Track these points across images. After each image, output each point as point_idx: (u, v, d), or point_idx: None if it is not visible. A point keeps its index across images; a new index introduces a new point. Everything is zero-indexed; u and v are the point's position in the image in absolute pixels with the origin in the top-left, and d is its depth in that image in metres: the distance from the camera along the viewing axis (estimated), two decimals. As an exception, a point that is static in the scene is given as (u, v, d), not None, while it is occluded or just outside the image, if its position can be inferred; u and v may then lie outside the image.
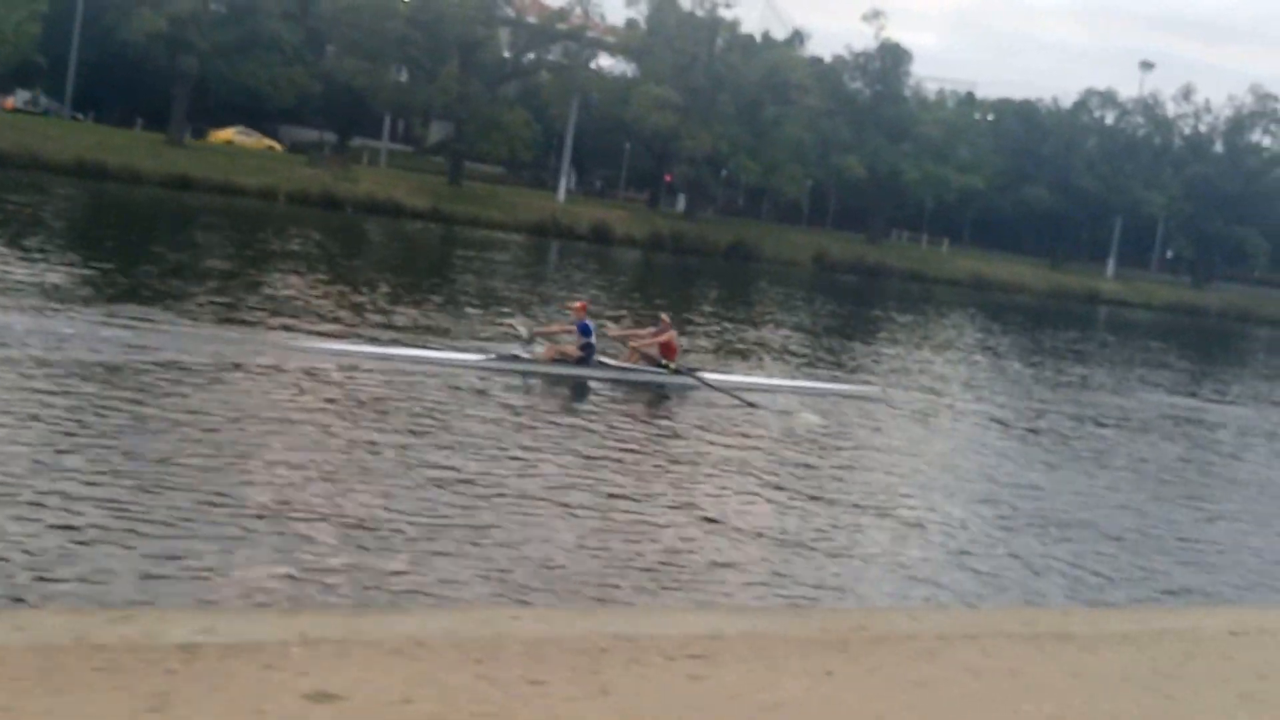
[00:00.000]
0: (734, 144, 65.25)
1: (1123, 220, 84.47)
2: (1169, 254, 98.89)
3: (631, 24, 68.64)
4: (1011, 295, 70.37)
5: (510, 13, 61.18)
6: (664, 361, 16.88)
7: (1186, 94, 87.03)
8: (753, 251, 65.03)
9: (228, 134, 64.75)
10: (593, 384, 16.50)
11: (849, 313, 40.82)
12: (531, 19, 63.11)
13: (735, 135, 65.72)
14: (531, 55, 63.80)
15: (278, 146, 66.19)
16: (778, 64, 66.36)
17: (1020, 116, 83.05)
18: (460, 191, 60.85)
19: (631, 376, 16.79)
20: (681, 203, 78.44)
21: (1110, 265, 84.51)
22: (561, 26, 62.58)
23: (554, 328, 17.33)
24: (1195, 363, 38.34)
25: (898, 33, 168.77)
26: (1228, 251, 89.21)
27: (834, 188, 76.83)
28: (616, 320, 24.12)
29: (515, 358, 16.23)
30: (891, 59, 72.83)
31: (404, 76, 61.90)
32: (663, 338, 17.13)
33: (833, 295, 49.13)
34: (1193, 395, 27.24)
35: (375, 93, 58.36)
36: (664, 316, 17.83)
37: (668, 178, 77.71)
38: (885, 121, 72.26)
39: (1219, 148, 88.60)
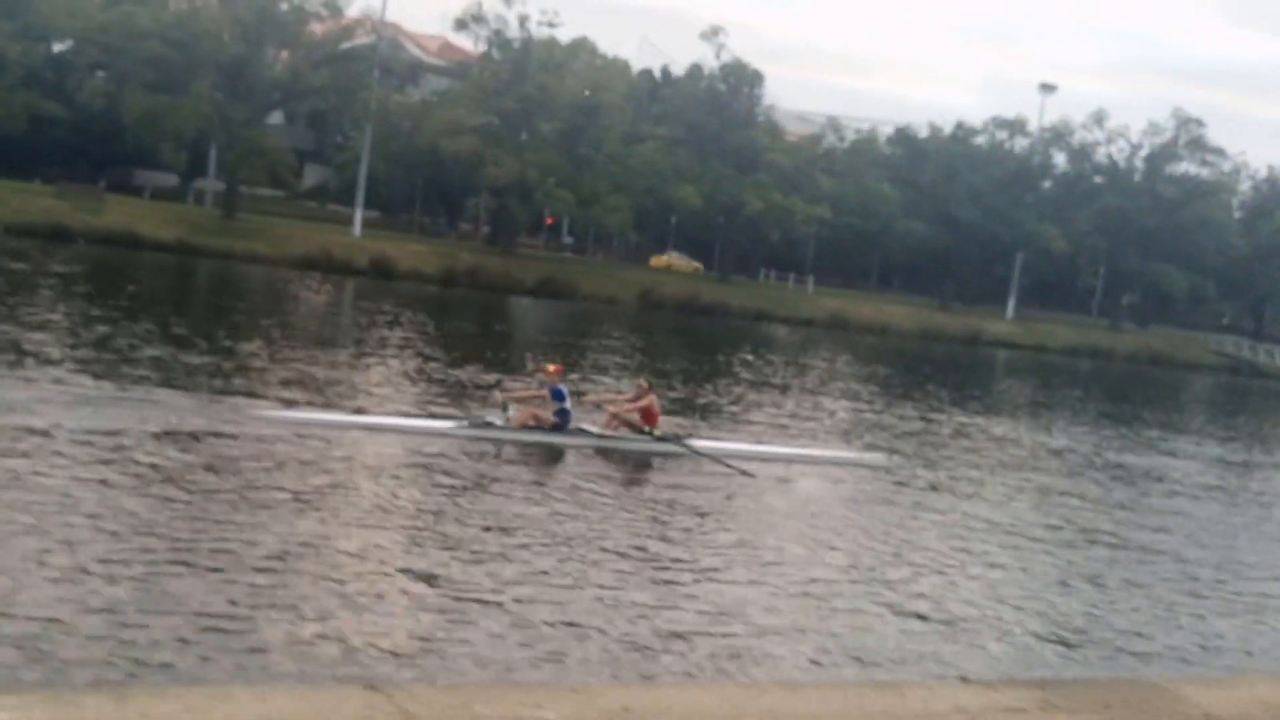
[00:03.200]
0: (545, 171, 59.92)
1: (1024, 257, 77.92)
2: (1125, 300, 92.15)
3: (447, 45, 64.00)
4: (873, 337, 64.23)
5: (287, 31, 56.37)
6: (646, 428, 16.24)
7: (1099, 120, 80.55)
8: (565, 288, 59.47)
9: None
10: (571, 453, 15.67)
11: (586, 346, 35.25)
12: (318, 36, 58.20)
13: (550, 163, 60.49)
14: (321, 75, 58.83)
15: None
16: (594, 85, 61.14)
17: (903, 145, 76.96)
18: (229, 225, 56.06)
19: (612, 444, 16.11)
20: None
21: (1010, 306, 77.75)
22: (345, 46, 57.79)
23: (525, 393, 16.70)
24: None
25: (930, 93, 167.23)
26: (1144, 289, 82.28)
27: (667, 219, 71.08)
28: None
29: (489, 424, 15.60)
30: (736, 81, 67.28)
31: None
32: (643, 403, 16.46)
33: (620, 333, 43.68)
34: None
35: (122, 117, 53.73)
36: (642, 382, 17.06)
37: (549, 220, 72.84)
38: (732, 150, 66.65)
39: (1139, 178, 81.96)
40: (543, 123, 61.63)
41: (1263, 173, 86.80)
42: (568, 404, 16.02)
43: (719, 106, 66.90)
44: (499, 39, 62.24)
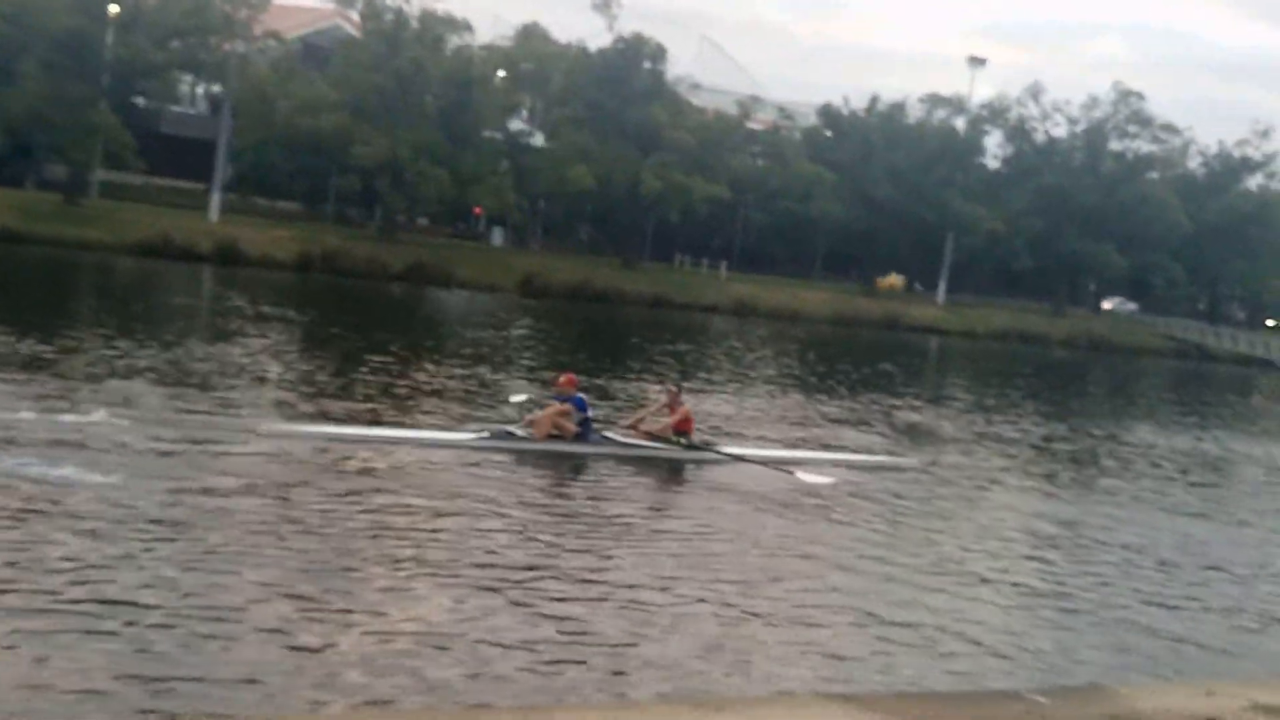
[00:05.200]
0: (418, 150, 55.98)
1: (958, 239, 73.70)
2: (1092, 287, 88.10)
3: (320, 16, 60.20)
4: (782, 324, 60.17)
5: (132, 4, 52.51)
6: (676, 437, 15.50)
7: (1035, 94, 76.40)
8: (437, 274, 55.52)
9: None
10: (596, 462, 15.00)
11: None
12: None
13: (425, 142, 56.57)
14: (173, 49, 54.80)
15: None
16: (470, 59, 57.25)
17: (828, 123, 72.73)
18: (70, 211, 52.26)
19: (639, 453, 15.37)
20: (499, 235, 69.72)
21: (941, 290, 73.52)
22: (196, 20, 53.89)
23: (544, 412, 15.35)
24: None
25: (964, 85, 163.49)
26: (1086, 270, 78.07)
27: (563, 202, 67.07)
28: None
29: (510, 435, 15.05)
30: (634, 55, 63.25)
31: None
32: (678, 415, 15.64)
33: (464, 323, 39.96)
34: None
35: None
36: (671, 387, 16.41)
37: (477, 210, 68.82)
38: (632, 130, 62.62)
39: (1081, 155, 77.74)
40: (419, 99, 57.77)
41: (1213, 148, 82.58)
42: (589, 412, 15.32)
43: (615, 82, 62.81)
44: (372, 11, 58.44)
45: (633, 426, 15.91)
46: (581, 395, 15.38)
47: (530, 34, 65.74)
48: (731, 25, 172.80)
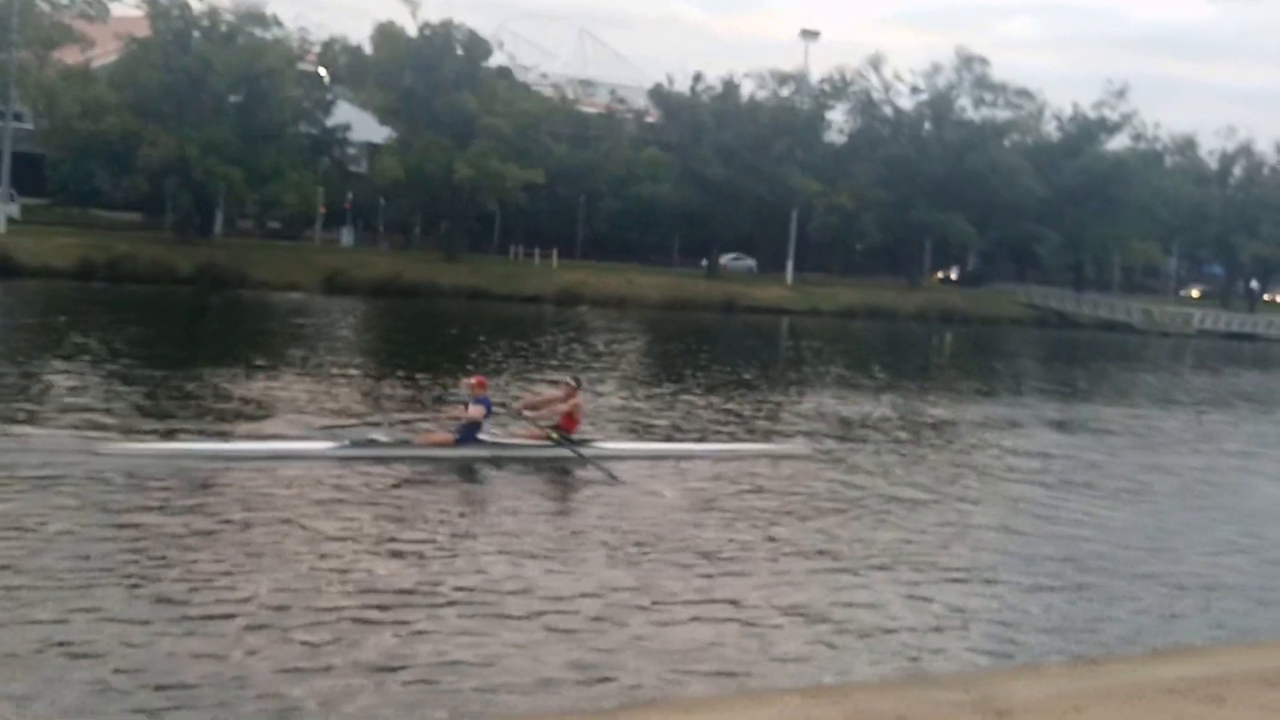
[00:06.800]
0: (206, 148, 54.11)
1: (804, 217, 72.42)
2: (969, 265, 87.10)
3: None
4: (610, 310, 58.65)
5: None
6: (555, 434, 15.14)
7: (875, 64, 75.25)
8: (231, 275, 53.64)
9: None
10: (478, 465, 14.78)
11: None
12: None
13: (216, 140, 54.69)
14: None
15: None
16: (258, 51, 55.48)
17: (655, 102, 71.26)
18: None
19: (508, 453, 15.07)
20: (347, 236, 67.85)
21: (789, 269, 72.09)
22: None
23: (454, 411, 15.63)
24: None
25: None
26: (939, 242, 76.98)
27: (367, 195, 65.39)
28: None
29: (373, 442, 14.60)
30: (443, 43, 61.65)
31: None
32: (566, 406, 15.52)
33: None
34: None
35: None
36: (570, 380, 16.27)
37: (321, 208, 66.94)
38: (446, 119, 60.95)
39: (928, 125, 76.66)
40: (208, 97, 55.97)
41: (1068, 111, 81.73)
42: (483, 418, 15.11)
43: (425, 69, 61.16)
44: (157, 10, 56.57)
45: (530, 407, 15.93)
46: (487, 398, 15.26)
47: (384, 32, 63.80)
48: (648, 22, 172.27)
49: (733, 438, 19.04)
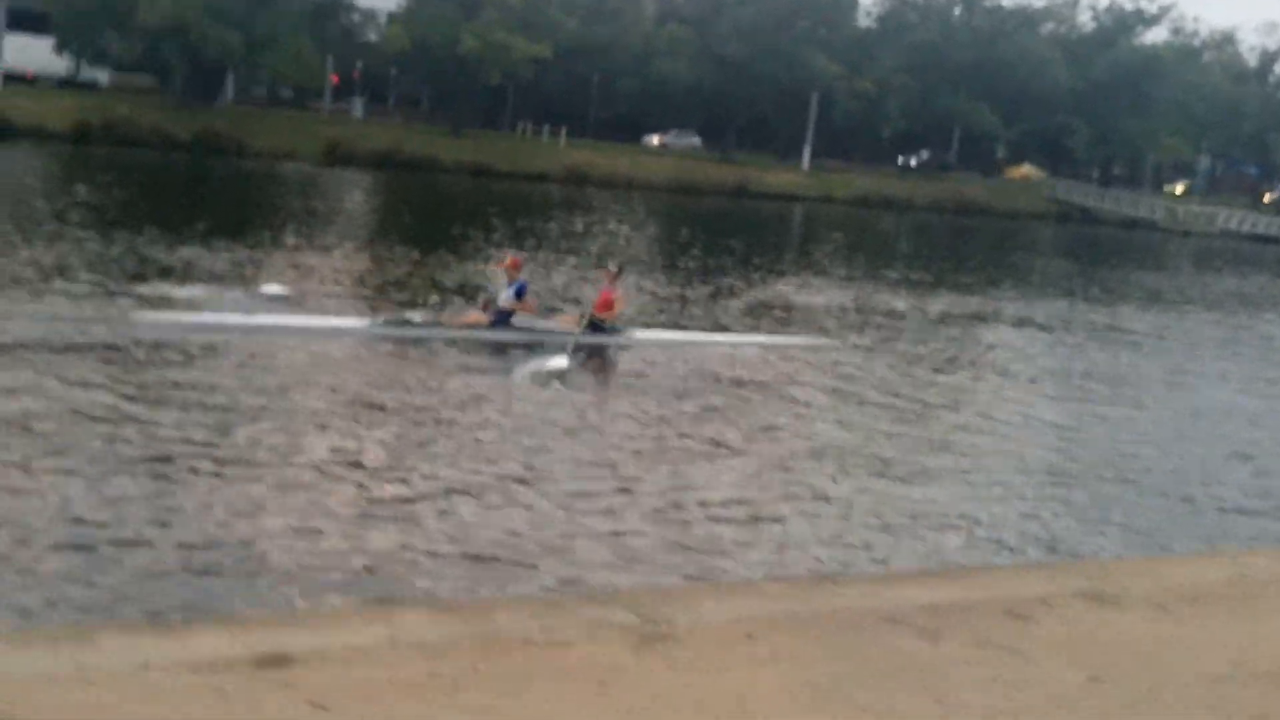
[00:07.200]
0: (209, 11, 52.62)
1: (825, 102, 70.36)
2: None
3: None
4: (615, 191, 57.39)
5: None
6: (592, 318, 14.68)
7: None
8: (229, 143, 52.63)
9: None
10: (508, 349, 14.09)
11: None
12: None
13: (220, 3, 53.18)
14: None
15: None
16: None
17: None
18: None
19: (548, 339, 14.34)
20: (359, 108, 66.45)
21: (805, 155, 70.30)
22: None
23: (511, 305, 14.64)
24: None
25: None
26: (964, 132, 74.83)
27: (380, 66, 63.77)
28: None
29: (406, 322, 14.37)
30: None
31: None
32: (600, 298, 15.10)
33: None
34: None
35: None
36: (610, 267, 15.74)
37: (334, 77, 65.57)
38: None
39: (959, 11, 74.02)
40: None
41: (1104, 1, 78.70)
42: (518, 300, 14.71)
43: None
44: None
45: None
46: (524, 281, 14.85)
47: None
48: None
49: (758, 329, 18.32)
